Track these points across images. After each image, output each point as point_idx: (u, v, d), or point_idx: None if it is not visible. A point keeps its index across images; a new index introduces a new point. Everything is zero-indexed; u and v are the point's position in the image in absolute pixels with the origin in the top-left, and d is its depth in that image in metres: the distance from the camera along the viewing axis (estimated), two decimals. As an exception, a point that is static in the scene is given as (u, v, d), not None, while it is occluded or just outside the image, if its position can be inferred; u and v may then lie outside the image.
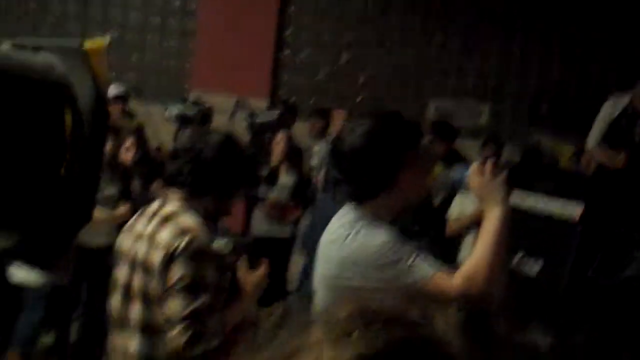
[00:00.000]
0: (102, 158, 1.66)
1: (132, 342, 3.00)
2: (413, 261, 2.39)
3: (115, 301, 3.07)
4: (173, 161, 3.11)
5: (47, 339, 5.94)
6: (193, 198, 3.03)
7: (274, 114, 6.30)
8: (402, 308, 0.60)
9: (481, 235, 2.47)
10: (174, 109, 5.75)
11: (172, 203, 3.05)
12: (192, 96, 6.97)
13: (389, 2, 9.68)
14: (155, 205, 3.12)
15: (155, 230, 2.97)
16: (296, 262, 7.37)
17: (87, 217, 1.49)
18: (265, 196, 6.82)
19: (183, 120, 5.69)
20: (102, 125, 1.47)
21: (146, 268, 2.94)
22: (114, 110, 6.85)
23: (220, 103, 6.58)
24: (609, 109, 6.07)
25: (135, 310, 2.99)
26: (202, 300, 2.82)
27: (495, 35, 9.55)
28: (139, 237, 3.01)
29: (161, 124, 6.46)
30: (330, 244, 2.57)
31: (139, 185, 6.22)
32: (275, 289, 3.98)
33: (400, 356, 0.54)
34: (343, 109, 7.55)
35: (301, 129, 7.86)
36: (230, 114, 6.58)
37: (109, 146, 5.65)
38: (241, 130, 6.28)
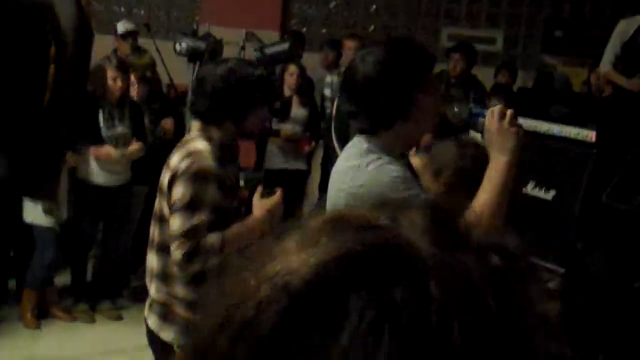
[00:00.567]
0: (86, 78, 1.64)
1: (153, 261, 3.21)
2: (424, 197, 2.38)
3: (151, 225, 3.28)
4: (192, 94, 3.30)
5: (62, 279, 6.03)
6: (209, 126, 3.17)
7: (285, 45, 6.23)
8: (372, 215, 0.60)
9: (485, 182, 2.40)
10: (184, 43, 5.69)
11: (192, 132, 3.22)
12: (201, 30, 6.89)
13: None
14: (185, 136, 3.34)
15: (171, 156, 3.16)
16: (311, 195, 7.40)
17: (74, 140, 1.48)
18: (279, 129, 6.81)
19: (193, 54, 5.65)
20: (85, 44, 1.44)
21: (161, 190, 3.14)
22: (124, 46, 6.81)
23: (230, 36, 6.51)
24: (623, 29, 5.93)
25: (155, 231, 3.20)
26: (199, 218, 2.98)
27: (508, -41, 9.39)
28: (166, 165, 3.19)
29: (172, 60, 6.42)
30: (340, 175, 2.56)
31: (149, 121, 6.22)
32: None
33: (368, 260, 0.54)
34: (354, 39, 7.46)
35: (312, 61, 7.79)
36: (241, 47, 6.52)
37: (119, 83, 5.62)
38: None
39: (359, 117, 2.55)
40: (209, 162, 3.04)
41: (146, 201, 5.94)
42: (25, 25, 1.30)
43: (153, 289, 3.21)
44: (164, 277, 3.17)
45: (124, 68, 5.68)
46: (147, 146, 5.86)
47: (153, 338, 3.22)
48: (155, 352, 3.29)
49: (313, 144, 7.12)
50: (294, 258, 0.55)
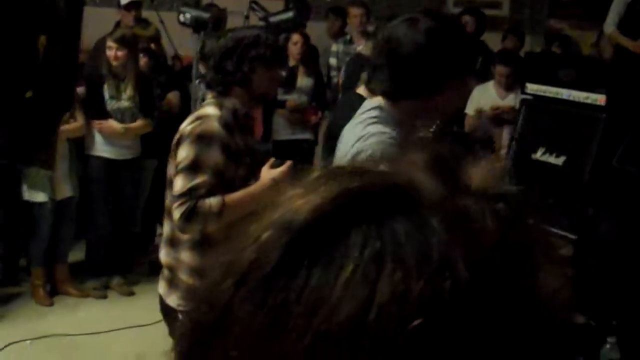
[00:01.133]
0: (79, 42, 1.61)
1: (166, 226, 3.29)
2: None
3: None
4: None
5: (75, 255, 6.04)
6: (220, 97, 3.22)
7: (290, 14, 6.18)
8: (370, 164, 0.61)
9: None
10: (188, 14, 5.65)
11: (206, 101, 3.31)
12: (205, 0, 6.84)
13: None
14: None
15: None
16: (319, 165, 7.37)
17: (68, 104, 1.46)
18: (285, 100, 6.76)
19: (197, 25, 5.60)
20: (75, 11, 1.41)
21: (171, 155, 3.19)
22: (128, 18, 6.74)
23: (234, 5, 6.45)
24: None
25: (168, 196, 3.23)
26: (200, 179, 3.01)
27: None
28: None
29: (176, 32, 6.38)
30: (347, 139, 2.51)
31: (155, 94, 6.17)
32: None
33: (369, 197, 0.54)
34: (359, 6, 7.39)
35: (317, 30, 7.73)
36: (245, 16, 6.46)
37: (116, 53, 5.55)
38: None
39: (385, 81, 2.47)
40: (214, 124, 3.08)
41: (155, 175, 5.93)
42: None
43: (163, 253, 3.28)
44: (172, 241, 3.22)
45: (123, 40, 5.60)
46: (155, 121, 5.83)
47: (162, 305, 3.27)
48: (165, 317, 3.32)
49: (320, 114, 7.07)
50: (295, 202, 0.55)
